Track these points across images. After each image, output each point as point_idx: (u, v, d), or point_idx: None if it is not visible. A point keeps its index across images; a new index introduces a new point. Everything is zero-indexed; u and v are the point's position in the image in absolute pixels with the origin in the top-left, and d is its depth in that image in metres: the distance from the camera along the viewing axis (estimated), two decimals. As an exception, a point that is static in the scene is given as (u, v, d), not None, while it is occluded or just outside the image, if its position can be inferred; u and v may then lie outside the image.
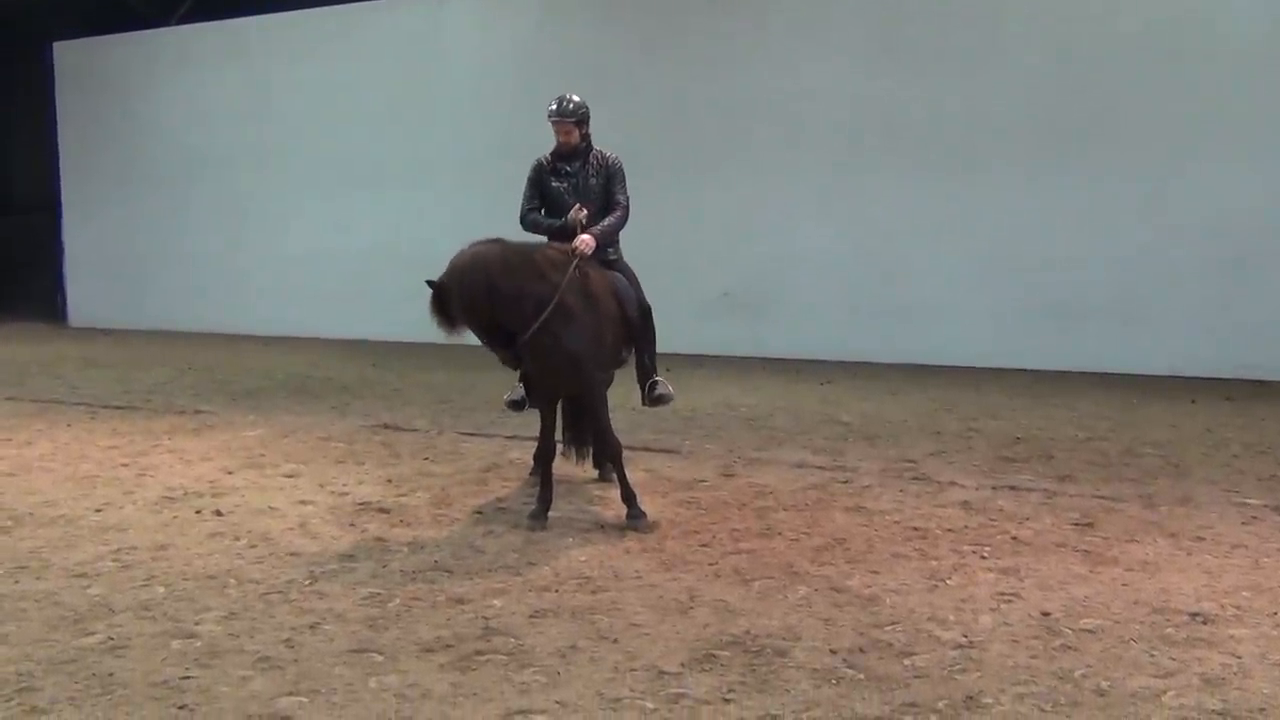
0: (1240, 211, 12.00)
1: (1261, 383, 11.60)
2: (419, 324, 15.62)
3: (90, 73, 19.64)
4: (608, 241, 6.89)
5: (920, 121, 13.36)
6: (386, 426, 9.64)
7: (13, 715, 4.02)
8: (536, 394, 6.77)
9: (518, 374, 7.06)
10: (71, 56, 19.99)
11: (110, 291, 19.61)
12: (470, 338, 6.43)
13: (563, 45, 15.41)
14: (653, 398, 7.02)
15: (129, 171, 19.29)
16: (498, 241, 6.27)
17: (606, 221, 6.82)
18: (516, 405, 7.13)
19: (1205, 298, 12.19)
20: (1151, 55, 12.34)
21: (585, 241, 6.54)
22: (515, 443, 8.66)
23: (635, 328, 6.87)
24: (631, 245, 7.29)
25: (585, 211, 6.75)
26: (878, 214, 13.67)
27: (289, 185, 17.69)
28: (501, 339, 6.30)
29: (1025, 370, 12.59)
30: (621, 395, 7.65)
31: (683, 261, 13.74)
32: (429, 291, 6.21)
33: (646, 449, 8.38)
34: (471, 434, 9.25)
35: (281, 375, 13.08)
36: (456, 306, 6.12)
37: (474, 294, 6.06)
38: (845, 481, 7.48)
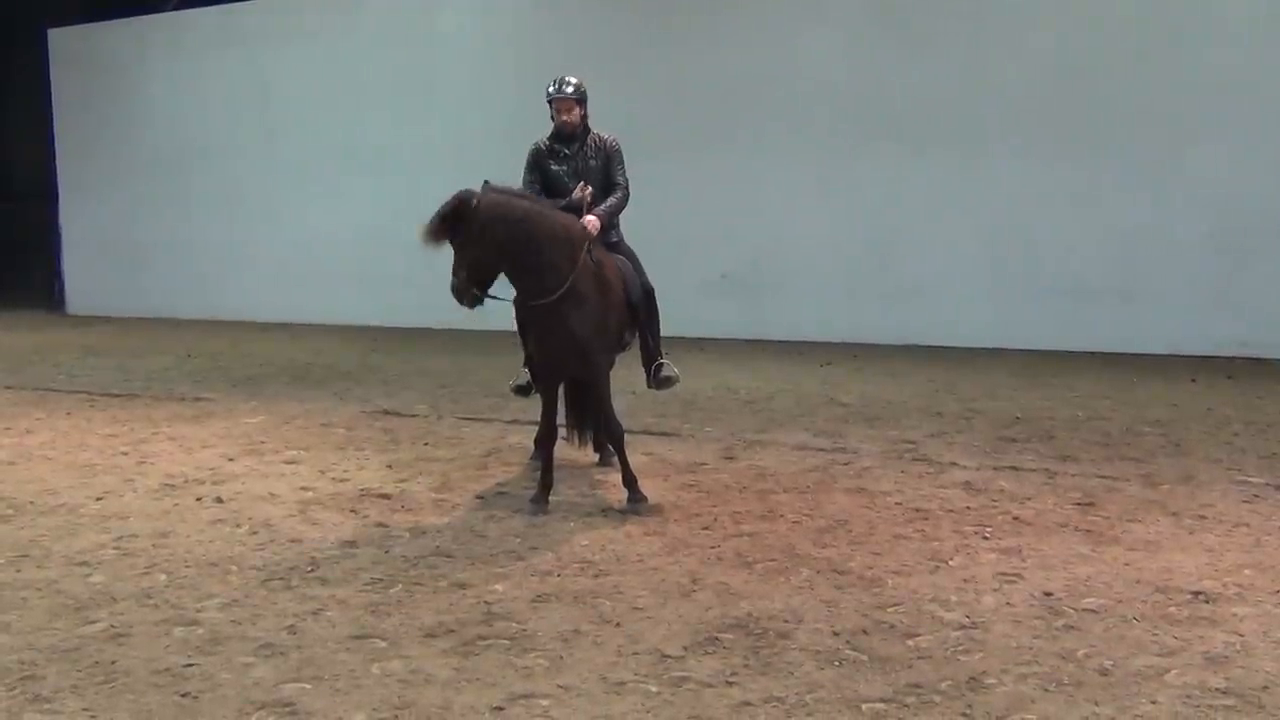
0: (1240, 190, 11.97)
1: (1262, 361, 11.58)
2: (419, 310, 15.56)
3: (86, 59, 19.57)
4: (610, 223, 6.88)
5: (920, 102, 13.31)
6: (387, 412, 9.64)
7: (16, 703, 4.02)
8: (539, 376, 6.74)
9: (522, 359, 7.06)
10: (67, 42, 19.91)
11: (109, 278, 19.57)
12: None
13: (561, 28, 15.35)
14: (658, 380, 7.01)
15: (126, 158, 19.23)
16: (528, 205, 6.24)
17: (609, 202, 6.82)
18: (522, 390, 7.11)
19: (1205, 276, 12.17)
20: (1152, 33, 12.29)
21: (591, 223, 6.54)
22: (515, 427, 8.66)
23: (638, 311, 6.86)
24: (630, 227, 7.27)
25: (590, 190, 6.74)
26: (877, 195, 13.64)
27: (288, 171, 17.64)
28: (485, 279, 6.16)
29: (1025, 350, 12.58)
30: (621, 379, 7.63)
31: (682, 243, 13.71)
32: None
33: (647, 432, 8.37)
34: (471, 419, 9.25)
35: (281, 361, 13.07)
36: (476, 233, 5.95)
37: (505, 237, 5.99)
38: (846, 463, 7.48)
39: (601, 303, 6.42)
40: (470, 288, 6.10)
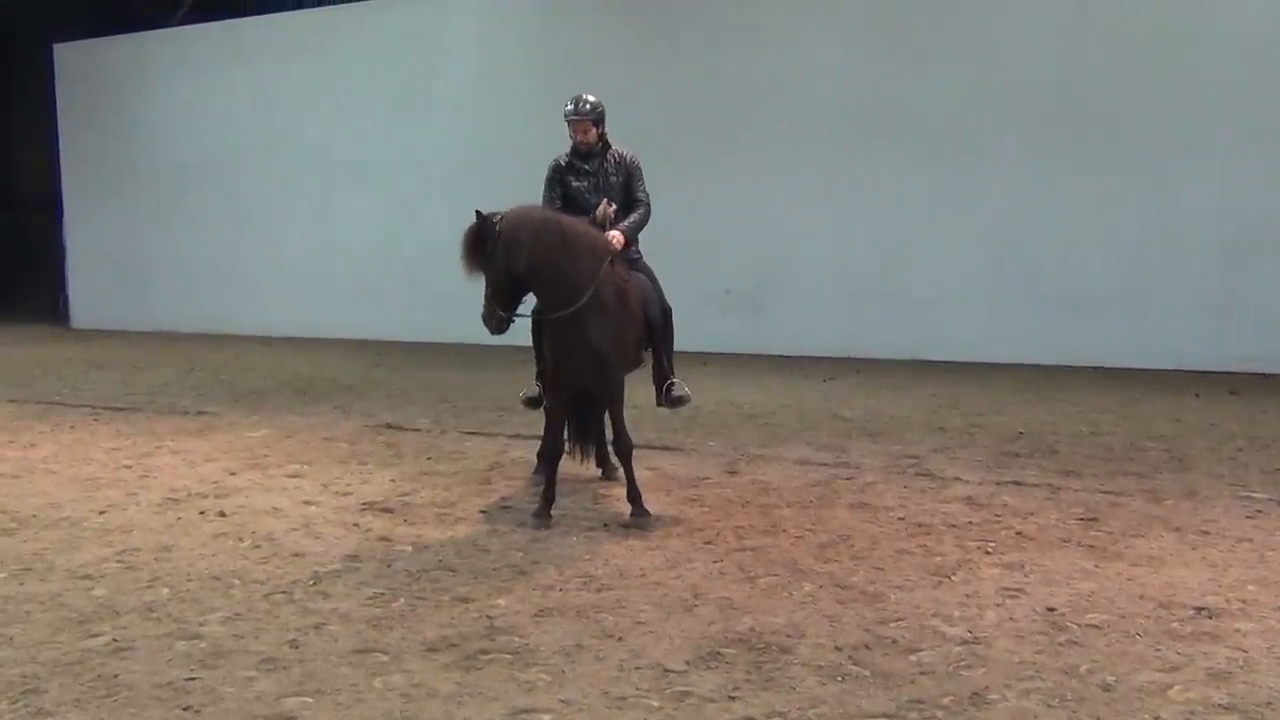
0: (1243, 203, 12.01)
1: (1265, 375, 11.59)
2: (422, 323, 15.51)
3: (91, 73, 19.67)
4: (634, 239, 6.90)
5: (923, 117, 13.36)
6: (390, 426, 9.64)
7: (18, 717, 4.02)
8: (553, 387, 6.69)
9: (534, 373, 7.06)
10: (72, 57, 20.03)
11: (112, 292, 19.63)
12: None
13: (563, 41, 15.42)
14: (671, 398, 6.99)
15: (130, 172, 19.31)
16: (555, 212, 6.37)
17: (632, 218, 6.85)
18: (533, 402, 7.10)
19: (1208, 290, 12.19)
20: (1153, 45, 12.33)
21: (616, 238, 6.56)
22: (518, 441, 8.66)
23: (656, 329, 6.86)
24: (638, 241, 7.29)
25: (614, 207, 6.75)
26: (880, 209, 13.68)
27: (291, 185, 17.71)
28: (512, 299, 6.25)
29: (1028, 365, 12.59)
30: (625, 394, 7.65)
31: (684, 257, 13.72)
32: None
33: (650, 447, 8.36)
34: (474, 433, 9.25)
35: (284, 375, 13.08)
36: (499, 253, 6.03)
37: (525, 249, 6.02)
38: (849, 478, 7.48)
39: (621, 316, 6.43)
40: (496, 310, 6.18)
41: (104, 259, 19.76)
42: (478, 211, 6.19)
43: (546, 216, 6.24)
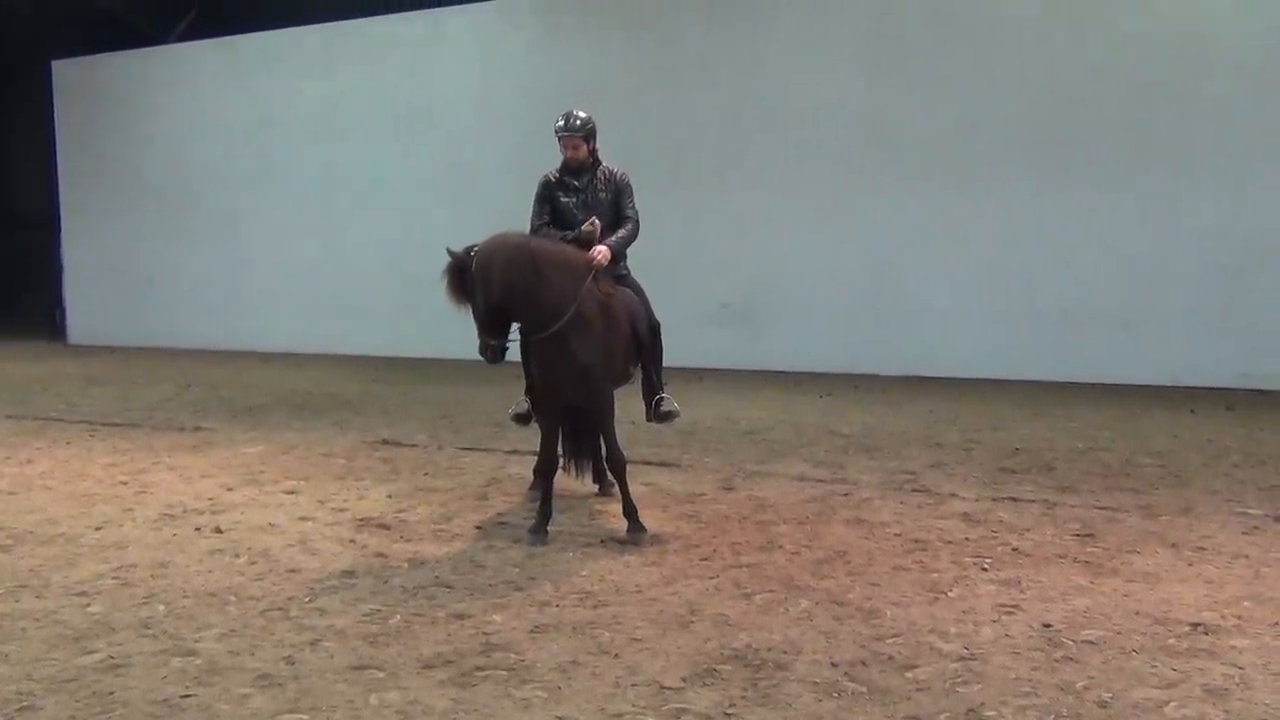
0: (1240, 220, 12.05)
1: (1262, 392, 11.61)
2: (419, 339, 15.56)
3: (89, 90, 19.72)
4: (621, 255, 6.91)
5: (919, 133, 13.40)
6: (386, 442, 9.64)
7: (13, 735, 4.02)
8: (541, 405, 6.72)
9: (523, 388, 7.07)
10: (70, 74, 20.08)
11: (110, 308, 19.64)
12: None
13: (559, 60, 15.48)
14: (659, 414, 7.01)
15: (128, 188, 19.35)
16: (528, 237, 6.39)
17: (619, 234, 6.86)
18: (522, 419, 7.12)
19: (1205, 307, 12.22)
20: (1150, 65, 12.39)
21: (601, 253, 6.58)
22: (515, 457, 8.67)
23: (644, 345, 6.87)
24: (631, 258, 7.31)
25: (599, 225, 6.77)
26: (877, 225, 13.71)
27: (288, 201, 17.74)
28: (499, 328, 6.26)
29: (1025, 381, 12.60)
30: (621, 410, 7.63)
31: (680, 274, 13.77)
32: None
33: (646, 463, 8.37)
34: (471, 449, 9.25)
35: (282, 391, 13.08)
36: (476, 286, 6.09)
37: (497, 279, 6.04)
38: (845, 494, 7.48)
39: (607, 332, 6.44)
40: (488, 340, 6.20)
41: (102, 275, 19.78)
42: (449, 250, 6.25)
43: (517, 243, 6.21)
